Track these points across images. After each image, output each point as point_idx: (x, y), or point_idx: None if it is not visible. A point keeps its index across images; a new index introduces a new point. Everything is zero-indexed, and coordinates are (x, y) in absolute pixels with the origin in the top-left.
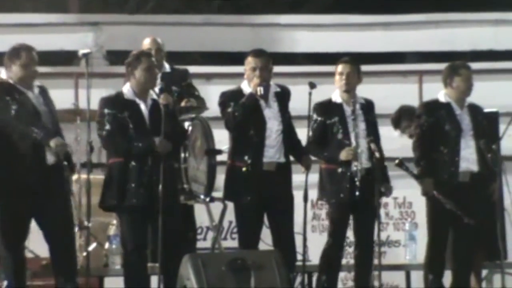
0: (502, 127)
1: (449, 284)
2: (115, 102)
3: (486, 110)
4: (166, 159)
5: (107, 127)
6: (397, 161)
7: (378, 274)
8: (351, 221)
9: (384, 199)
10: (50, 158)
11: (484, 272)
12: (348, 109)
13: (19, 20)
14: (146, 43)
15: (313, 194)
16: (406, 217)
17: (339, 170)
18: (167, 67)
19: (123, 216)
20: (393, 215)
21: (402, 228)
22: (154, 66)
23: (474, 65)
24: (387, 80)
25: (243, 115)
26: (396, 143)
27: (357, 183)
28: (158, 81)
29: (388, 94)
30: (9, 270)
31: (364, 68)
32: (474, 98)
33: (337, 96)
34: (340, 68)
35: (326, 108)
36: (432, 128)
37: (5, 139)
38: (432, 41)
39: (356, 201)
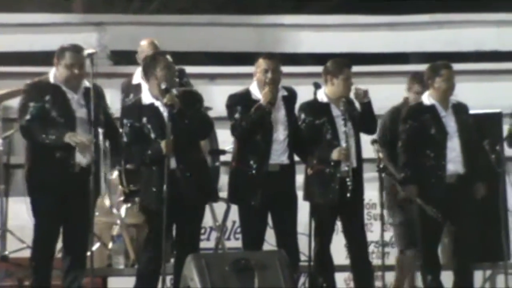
0: (505, 127)
1: (451, 285)
2: (133, 110)
3: (490, 110)
4: (191, 156)
5: (124, 139)
6: (381, 166)
7: (381, 275)
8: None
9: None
10: (82, 160)
11: (488, 273)
12: (335, 109)
13: (23, 20)
14: (143, 45)
15: None
16: None
17: (327, 170)
18: None
19: (148, 218)
20: None
21: None
22: (172, 64)
23: (478, 66)
24: (390, 80)
25: (250, 126)
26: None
27: (349, 183)
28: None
29: (392, 94)
30: (36, 269)
31: (368, 68)
32: (477, 99)
33: (322, 96)
34: (348, 73)
35: (314, 108)
36: (417, 132)
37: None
38: (436, 42)
39: (344, 202)
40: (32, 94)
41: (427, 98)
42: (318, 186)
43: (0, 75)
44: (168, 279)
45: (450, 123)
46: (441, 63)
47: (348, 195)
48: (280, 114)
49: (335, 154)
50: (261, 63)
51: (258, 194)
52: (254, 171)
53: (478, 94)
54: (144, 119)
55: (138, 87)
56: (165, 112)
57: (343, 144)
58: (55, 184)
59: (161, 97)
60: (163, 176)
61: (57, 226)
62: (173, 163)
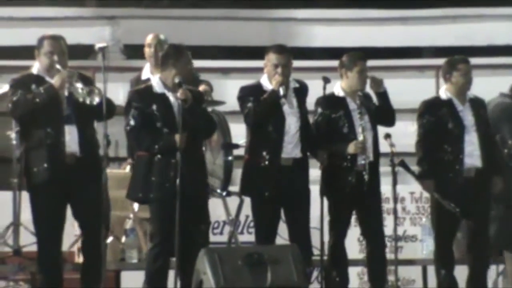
0: None
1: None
2: (144, 95)
3: None
4: (193, 152)
5: (132, 122)
6: (398, 161)
7: (394, 269)
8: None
9: (401, 194)
10: (76, 150)
11: (501, 267)
12: (351, 103)
13: (36, 14)
14: (149, 39)
15: None
16: (423, 211)
17: (344, 164)
18: None
19: (152, 208)
20: (410, 209)
21: (419, 222)
22: (191, 61)
23: (491, 60)
24: (403, 75)
25: (264, 111)
26: (412, 138)
27: (366, 176)
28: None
29: (405, 89)
30: (45, 264)
31: (381, 63)
32: (490, 93)
33: (339, 89)
34: (362, 65)
35: (331, 102)
36: (434, 127)
37: (31, 130)
38: (448, 36)
39: (361, 196)
40: (19, 85)
41: (444, 93)
42: (334, 180)
43: (14, 69)
44: None
45: (468, 117)
46: (458, 58)
47: (365, 188)
48: (291, 105)
49: (351, 148)
50: (271, 57)
51: (271, 185)
52: (267, 162)
53: (491, 88)
54: (154, 107)
55: (147, 82)
56: (175, 104)
57: (360, 138)
58: (49, 175)
59: (172, 90)
60: (168, 168)
61: (58, 221)
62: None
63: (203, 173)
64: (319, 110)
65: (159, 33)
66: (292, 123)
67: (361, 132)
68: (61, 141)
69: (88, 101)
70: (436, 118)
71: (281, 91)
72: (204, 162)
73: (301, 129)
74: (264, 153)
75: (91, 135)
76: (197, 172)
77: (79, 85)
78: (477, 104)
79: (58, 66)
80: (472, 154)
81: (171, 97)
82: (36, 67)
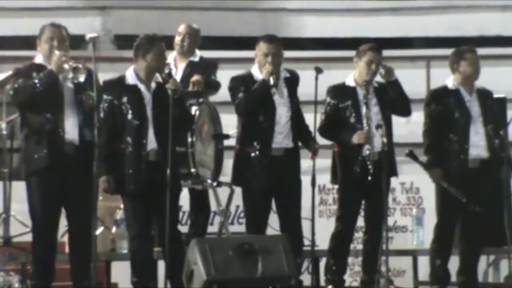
0: (509, 112)
1: (456, 269)
2: (115, 87)
3: (494, 95)
4: (173, 144)
5: (102, 114)
6: (407, 151)
7: (385, 259)
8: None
9: (391, 185)
10: (75, 138)
11: (491, 258)
12: (361, 93)
13: (28, 4)
14: (180, 28)
15: (321, 179)
16: (413, 202)
17: (351, 154)
18: (197, 55)
19: (126, 201)
20: (400, 200)
21: (409, 213)
22: (165, 51)
23: (482, 51)
24: (394, 65)
25: (255, 101)
26: (404, 128)
27: (369, 167)
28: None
29: None
30: (39, 253)
31: None
32: (481, 83)
33: (350, 79)
34: (372, 56)
35: (340, 91)
36: (441, 116)
37: (31, 116)
38: (439, 27)
39: (367, 185)
40: (21, 74)
41: (452, 83)
42: (342, 169)
43: (4, 59)
44: None
45: (474, 107)
46: (466, 48)
47: (369, 178)
48: (282, 95)
49: (355, 138)
50: (262, 46)
51: (262, 175)
52: (257, 152)
53: (482, 79)
54: (124, 99)
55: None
56: (147, 96)
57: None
58: (49, 161)
59: (145, 82)
60: (140, 161)
61: (55, 210)
62: (153, 144)
63: (179, 164)
64: (328, 99)
65: (190, 23)
66: (282, 113)
67: (366, 122)
68: (61, 127)
69: (71, 78)
70: (443, 107)
71: (271, 81)
72: (175, 154)
73: (292, 119)
74: (255, 143)
75: (90, 125)
76: (174, 166)
77: (66, 64)
78: (485, 95)
79: (56, 52)
80: (478, 145)
81: (143, 89)
82: (39, 57)
